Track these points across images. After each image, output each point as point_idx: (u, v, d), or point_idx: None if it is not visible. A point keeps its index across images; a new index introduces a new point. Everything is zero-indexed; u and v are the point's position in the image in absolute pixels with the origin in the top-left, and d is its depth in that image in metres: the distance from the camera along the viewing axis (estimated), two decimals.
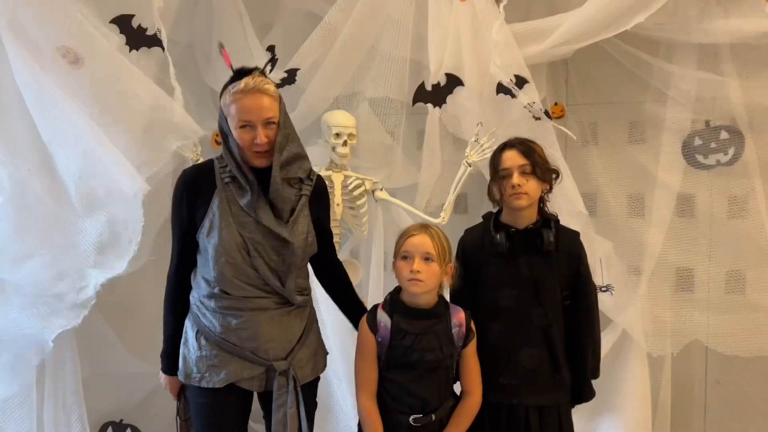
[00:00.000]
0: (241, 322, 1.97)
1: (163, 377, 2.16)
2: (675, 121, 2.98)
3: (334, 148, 2.83)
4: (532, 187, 2.11)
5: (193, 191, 2.01)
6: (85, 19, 2.58)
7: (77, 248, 2.56)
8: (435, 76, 2.76)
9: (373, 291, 2.92)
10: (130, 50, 2.80)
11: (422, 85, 2.82)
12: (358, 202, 2.88)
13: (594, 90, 3.21)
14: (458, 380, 2.15)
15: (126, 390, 3.21)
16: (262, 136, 1.90)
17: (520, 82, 2.74)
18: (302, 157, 2.04)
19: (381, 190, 2.94)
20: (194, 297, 2.06)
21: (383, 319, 2.07)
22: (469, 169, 2.76)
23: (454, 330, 2.07)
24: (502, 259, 2.14)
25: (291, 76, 2.94)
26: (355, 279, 2.91)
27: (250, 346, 1.98)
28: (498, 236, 2.14)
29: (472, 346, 2.10)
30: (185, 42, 3.24)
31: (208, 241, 1.96)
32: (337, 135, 2.82)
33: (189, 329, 2.05)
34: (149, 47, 2.83)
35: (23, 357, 2.52)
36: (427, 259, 2.00)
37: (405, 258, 2.02)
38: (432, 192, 3.00)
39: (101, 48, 2.62)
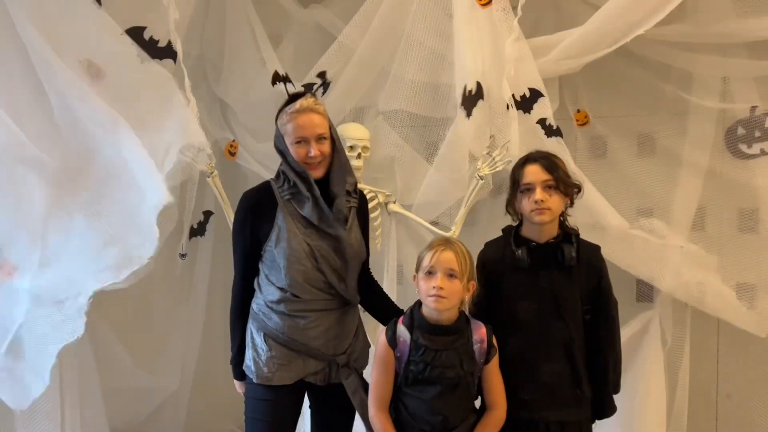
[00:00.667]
0: (309, 321, 2.16)
1: (238, 384, 2.31)
2: (704, 116, 2.96)
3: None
4: (554, 202, 2.09)
5: (255, 211, 2.19)
6: (106, 30, 2.57)
7: (83, 255, 2.52)
8: (470, 82, 2.69)
9: None
10: (141, 62, 2.79)
11: (463, 89, 2.74)
12: (372, 215, 2.85)
13: (604, 103, 3.22)
14: (480, 396, 2.12)
15: (135, 404, 3.21)
16: (315, 150, 2.12)
17: (535, 95, 2.72)
18: (350, 172, 2.26)
19: (394, 203, 2.93)
20: (258, 303, 2.22)
21: (403, 333, 2.04)
22: (481, 182, 2.75)
23: (476, 346, 2.03)
24: (523, 274, 2.13)
25: (307, 90, 2.92)
26: None
27: (316, 344, 2.17)
28: (519, 251, 2.13)
29: (494, 362, 2.06)
30: (195, 53, 3.24)
31: (278, 252, 2.14)
32: (351, 147, 2.82)
33: (255, 334, 2.21)
34: (161, 59, 2.82)
35: (36, 367, 2.49)
36: (450, 275, 1.97)
37: (429, 273, 1.99)
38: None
39: (123, 59, 2.62)
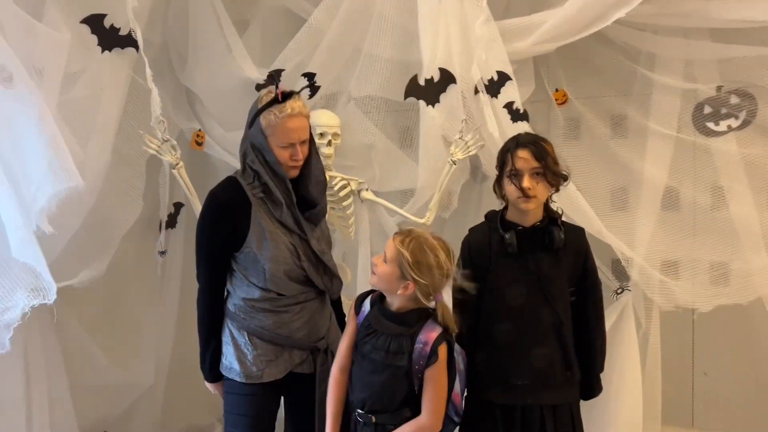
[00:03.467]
0: (293, 315, 2.22)
1: (213, 386, 2.33)
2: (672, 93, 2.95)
3: (318, 149, 2.75)
4: (541, 190, 2.08)
5: (228, 210, 2.16)
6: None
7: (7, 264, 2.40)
8: (428, 70, 2.68)
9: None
10: (102, 51, 2.72)
11: (415, 79, 2.74)
12: (344, 203, 2.82)
13: (579, 84, 3.19)
14: None
15: (107, 401, 3.15)
16: (300, 153, 2.15)
17: (503, 78, 2.68)
18: (323, 172, 2.32)
19: (367, 190, 2.88)
20: (235, 303, 2.23)
21: (366, 305, 2.13)
22: (453, 167, 2.71)
23: (418, 345, 1.98)
24: (511, 258, 2.12)
25: (276, 77, 2.85)
26: (344, 282, 2.86)
27: (300, 334, 2.23)
28: (507, 235, 2.11)
29: (435, 370, 1.98)
30: (159, 41, 3.16)
31: (261, 253, 2.14)
32: (321, 135, 2.75)
33: (236, 333, 2.22)
34: (122, 48, 2.76)
35: None
36: (384, 260, 2.01)
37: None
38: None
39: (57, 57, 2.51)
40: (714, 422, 3.23)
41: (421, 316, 2.02)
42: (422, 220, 2.75)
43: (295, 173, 2.19)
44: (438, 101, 2.70)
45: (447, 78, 2.67)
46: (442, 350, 1.99)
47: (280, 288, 2.18)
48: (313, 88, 2.90)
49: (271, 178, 2.15)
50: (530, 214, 2.13)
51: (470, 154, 2.66)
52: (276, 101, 2.11)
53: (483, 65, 2.62)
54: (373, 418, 2.02)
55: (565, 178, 2.15)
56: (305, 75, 2.90)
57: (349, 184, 2.85)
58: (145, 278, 3.30)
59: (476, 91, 2.70)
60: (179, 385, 3.48)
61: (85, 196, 2.69)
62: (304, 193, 2.21)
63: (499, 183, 2.18)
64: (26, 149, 2.32)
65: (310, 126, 2.21)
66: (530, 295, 2.11)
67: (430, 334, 1.99)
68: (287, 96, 2.11)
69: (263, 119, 2.11)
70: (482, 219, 2.30)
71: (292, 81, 2.92)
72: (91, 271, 2.73)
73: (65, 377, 2.80)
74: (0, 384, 2.58)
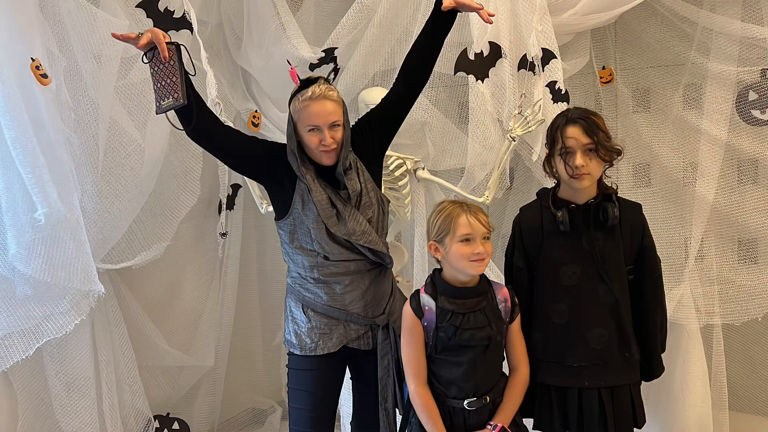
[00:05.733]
0: (345, 286, 2.21)
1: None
2: (720, 78, 2.76)
3: None
4: (594, 167, 2.00)
5: (284, 160, 2.21)
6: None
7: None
8: (478, 44, 2.60)
9: (418, 273, 2.82)
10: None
11: (464, 53, 2.66)
12: (400, 183, 2.76)
13: (644, 53, 3.04)
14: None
15: (169, 383, 3.20)
16: (328, 138, 2.12)
17: (548, 56, 2.58)
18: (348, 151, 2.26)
19: (423, 169, 2.82)
20: (293, 276, 2.28)
21: (427, 302, 2.04)
22: (513, 144, 2.62)
23: (501, 305, 2.04)
24: (564, 237, 2.06)
25: (328, 56, 2.84)
26: (400, 262, 2.82)
27: (355, 308, 2.22)
28: (559, 213, 2.04)
29: (517, 321, 2.08)
30: (214, 22, 3.16)
31: (306, 214, 2.17)
32: None
33: (293, 308, 2.28)
34: (177, 30, 2.77)
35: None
36: (486, 238, 1.99)
37: (467, 240, 1.97)
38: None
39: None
40: None
41: (481, 280, 2.05)
42: (481, 199, 2.68)
43: (330, 160, 2.17)
44: (487, 76, 2.62)
45: (496, 52, 2.59)
46: (516, 299, 2.09)
47: (324, 249, 2.17)
48: (337, 71, 2.89)
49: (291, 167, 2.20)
50: (584, 192, 2.06)
51: (530, 131, 2.56)
52: (301, 87, 2.15)
53: (535, 39, 2.53)
54: (487, 398, 2.02)
55: (619, 153, 2.07)
56: (325, 51, 2.87)
57: (404, 163, 2.79)
58: (204, 260, 3.33)
59: (520, 67, 2.62)
60: (240, 368, 3.52)
61: (144, 181, 2.74)
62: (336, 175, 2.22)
63: (549, 161, 2.11)
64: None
65: (344, 111, 2.18)
66: (585, 274, 2.05)
67: (502, 290, 2.07)
68: (312, 81, 2.15)
69: (291, 106, 2.18)
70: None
71: (345, 58, 2.88)
72: (150, 252, 2.78)
73: (133, 358, 2.87)
74: (70, 364, 2.64)
